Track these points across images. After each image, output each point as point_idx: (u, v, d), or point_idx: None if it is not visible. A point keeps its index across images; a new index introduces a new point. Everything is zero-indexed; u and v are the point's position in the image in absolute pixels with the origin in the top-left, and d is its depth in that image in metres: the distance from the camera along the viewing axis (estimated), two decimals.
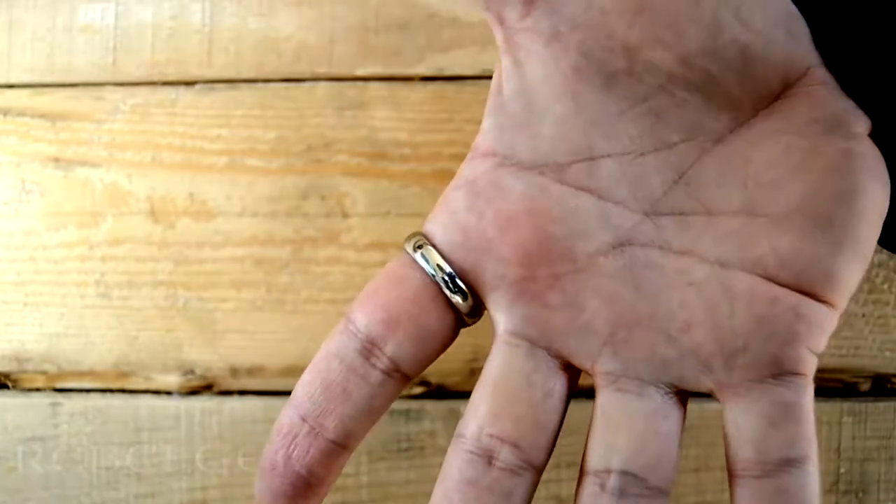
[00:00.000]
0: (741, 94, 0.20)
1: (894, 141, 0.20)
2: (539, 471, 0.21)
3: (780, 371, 0.20)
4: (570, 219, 0.21)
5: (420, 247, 0.21)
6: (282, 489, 0.21)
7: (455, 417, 0.34)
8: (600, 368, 0.21)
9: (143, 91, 0.35)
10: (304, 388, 0.21)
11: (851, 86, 0.20)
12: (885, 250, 0.33)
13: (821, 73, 0.20)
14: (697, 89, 0.20)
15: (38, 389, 0.35)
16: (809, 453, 0.19)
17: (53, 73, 0.35)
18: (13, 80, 0.35)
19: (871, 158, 0.20)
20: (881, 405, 0.33)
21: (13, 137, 0.35)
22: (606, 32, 0.20)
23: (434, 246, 0.21)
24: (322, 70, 0.35)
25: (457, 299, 0.21)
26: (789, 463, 0.19)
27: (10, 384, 0.36)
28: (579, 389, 0.22)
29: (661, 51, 0.20)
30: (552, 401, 0.21)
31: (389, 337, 0.21)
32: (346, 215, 0.34)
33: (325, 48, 0.35)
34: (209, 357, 0.35)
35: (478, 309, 0.22)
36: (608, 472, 0.20)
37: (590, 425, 0.21)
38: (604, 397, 0.21)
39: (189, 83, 0.35)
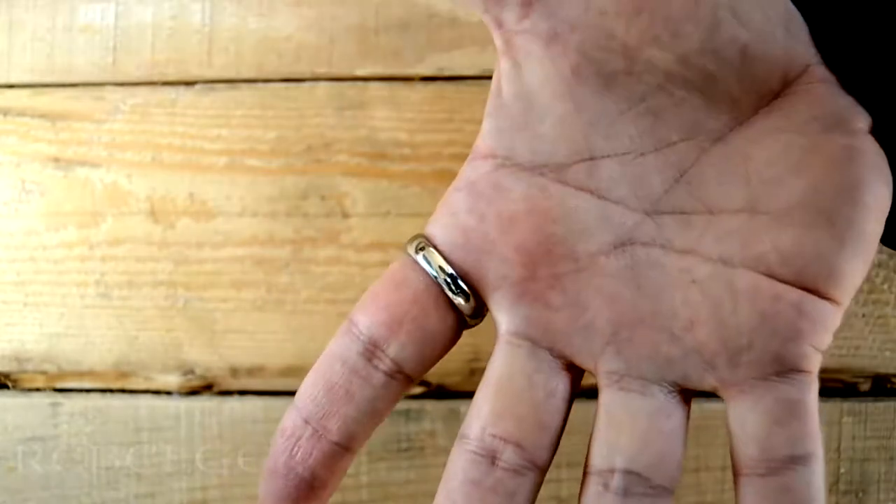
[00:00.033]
0: (741, 93, 0.20)
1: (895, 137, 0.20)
2: (543, 471, 0.21)
3: (783, 368, 0.20)
4: (571, 219, 0.21)
5: (422, 249, 0.21)
6: (285, 492, 0.21)
7: (455, 417, 0.34)
8: (603, 368, 0.21)
9: (143, 91, 0.35)
10: (307, 390, 0.21)
11: (851, 83, 0.20)
12: (884, 252, 0.33)
13: (820, 71, 0.20)
14: (697, 88, 0.20)
15: (38, 389, 0.35)
16: (814, 450, 0.19)
17: (53, 73, 0.35)
18: (13, 80, 0.35)
19: (872, 154, 0.20)
20: (881, 405, 0.33)
21: (13, 137, 0.35)
22: (605, 33, 0.20)
23: (435, 248, 0.21)
24: (322, 70, 0.35)
25: (459, 300, 0.21)
26: (794, 461, 0.19)
27: (10, 384, 0.36)
28: (580, 390, 0.22)
29: (659, 50, 0.20)
30: (555, 401, 0.21)
31: (392, 339, 0.21)
32: (346, 215, 0.34)
33: (325, 48, 0.35)
34: (209, 357, 0.35)
35: (480, 310, 0.22)
36: (612, 471, 0.20)
37: (593, 425, 0.21)
38: (607, 397, 0.21)
39: (189, 83, 0.35)
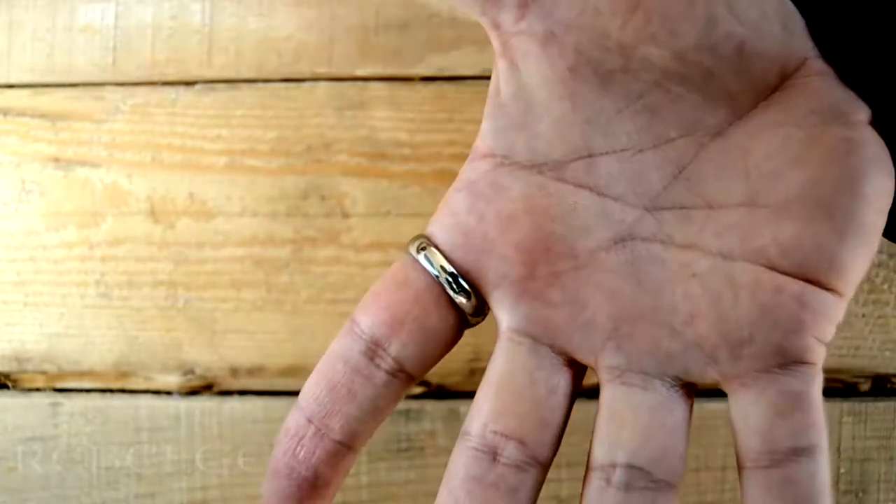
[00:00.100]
0: (738, 88, 0.20)
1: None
2: (545, 467, 0.21)
3: (786, 360, 0.19)
4: (570, 216, 0.21)
5: (423, 249, 0.21)
6: (289, 491, 0.21)
7: (455, 417, 0.34)
8: (604, 363, 0.21)
9: (143, 91, 0.35)
10: (310, 390, 0.21)
11: (850, 75, 0.20)
12: (884, 252, 0.33)
13: (818, 65, 0.20)
14: (694, 85, 0.20)
15: (38, 389, 0.35)
16: (818, 442, 0.19)
17: (53, 73, 0.35)
18: (13, 80, 0.35)
19: (872, 146, 0.20)
20: (881, 405, 0.33)
21: (13, 137, 0.35)
22: (601, 32, 0.20)
23: (436, 247, 0.22)
24: (322, 70, 0.35)
25: (460, 299, 0.21)
26: (797, 452, 0.19)
27: (10, 384, 0.36)
28: (581, 389, 0.22)
29: (656, 48, 0.20)
30: (556, 397, 0.21)
31: (393, 338, 0.21)
32: (346, 215, 0.34)
33: (325, 48, 0.35)
34: (209, 357, 0.35)
35: (481, 309, 0.22)
36: (614, 466, 0.20)
37: (595, 421, 0.21)
38: (608, 392, 0.21)
39: (189, 83, 0.35)
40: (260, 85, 0.35)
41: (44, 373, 0.35)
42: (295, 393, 0.22)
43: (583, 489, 0.21)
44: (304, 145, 0.34)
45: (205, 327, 0.35)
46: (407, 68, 0.34)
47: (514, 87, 0.21)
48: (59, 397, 0.35)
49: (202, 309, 0.35)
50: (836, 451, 0.33)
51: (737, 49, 0.20)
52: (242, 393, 0.35)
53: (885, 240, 0.21)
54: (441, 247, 0.22)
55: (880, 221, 0.20)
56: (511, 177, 0.21)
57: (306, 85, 0.35)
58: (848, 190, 0.19)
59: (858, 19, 0.20)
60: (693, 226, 0.21)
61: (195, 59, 0.35)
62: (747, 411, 0.20)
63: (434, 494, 0.21)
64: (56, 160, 0.35)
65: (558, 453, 0.21)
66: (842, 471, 0.33)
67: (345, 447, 0.21)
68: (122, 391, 0.35)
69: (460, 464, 0.21)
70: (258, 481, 0.35)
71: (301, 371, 0.34)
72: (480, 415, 0.21)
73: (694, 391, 0.21)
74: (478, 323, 0.22)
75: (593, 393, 0.21)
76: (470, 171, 0.22)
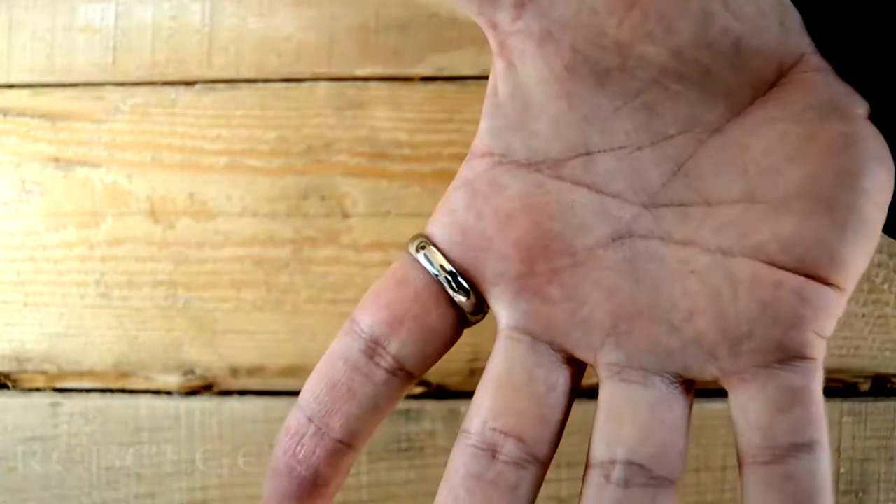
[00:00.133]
0: (735, 84, 0.20)
1: (895, 123, 0.20)
2: (544, 465, 0.21)
3: (785, 356, 0.19)
4: (568, 213, 0.21)
5: (423, 248, 0.22)
6: (290, 490, 0.21)
7: (455, 417, 0.34)
8: (603, 360, 0.21)
9: (143, 91, 0.35)
10: (310, 389, 0.21)
11: (847, 70, 0.20)
12: (884, 252, 0.33)
13: (815, 60, 0.20)
14: (692, 82, 0.20)
15: (38, 389, 0.35)
16: (819, 438, 0.19)
17: (53, 73, 0.35)
18: (13, 80, 0.35)
19: (871, 140, 0.20)
20: (881, 405, 0.33)
21: (13, 137, 0.35)
22: (597, 31, 0.20)
23: (435, 246, 0.22)
24: (322, 70, 0.35)
25: (459, 298, 0.21)
26: (798, 448, 0.19)
27: (10, 384, 0.36)
28: (581, 388, 0.22)
29: (652, 46, 0.20)
30: (555, 394, 0.21)
31: (393, 336, 0.21)
32: (346, 215, 0.34)
33: (325, 48, 0.35)
34: (209, 357, 0.35)
35: (480, 307, 0.22)
36: (613, 463, 0.20)
37: (594, 419, 0.21)
38: (607, 389, 0.21)
39: (189, 83, 0.35)
40: (260, 85, 0.35)
41: (44, 373, 0.35)
42: (295, 393, 0.22)
43: (582, 486, 0.21)
44: (304, 145, 0.34)
45: (205, 327, 0.35)
46: (407, 68, 0.34)
47: (511, 86, 0.21)
48: (59, 397, 0.35)
49: (202, 309, 0.35)
50: (836, 451, 0.33)
51: (733, 45, 0.20)
52: (242, 393, 0.35)
53: (885, 241, 0.21)
54: (440, 245, 0.22)
55: (880, 216, 0.20)
56: (509, 175, 0.21)
57: (306, 85, 0.35)
58: (847, 184, 0.19)
59: (855, 14, 0.20)
60: (691, 222, 0.21)
61: (195, 59, 0.35)
62: (747, 407, 0.20)
63: (434, 494, 0.21)
64: (56, 160, 0.35)
65: (558, 453, 0.21)
66: (842, 471, 0.33)
67: (345, 446, 0.21)
68: (122, 391, 0.35)
69: (460, 462, 0.21)
70: (258, 481, 0.34)
71: (301, 371, 0.34)
72: (479, 412, 0.21)
73: (693, 388, 0.21)
74: (477, 321, 0.22)
75: (593, 393, 0.21)
76: (468, 169, 0.22)
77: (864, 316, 0.33)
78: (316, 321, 0.34)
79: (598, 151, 0.21)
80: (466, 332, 0.22)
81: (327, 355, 0.22)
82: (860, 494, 0.33)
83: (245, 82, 0.35)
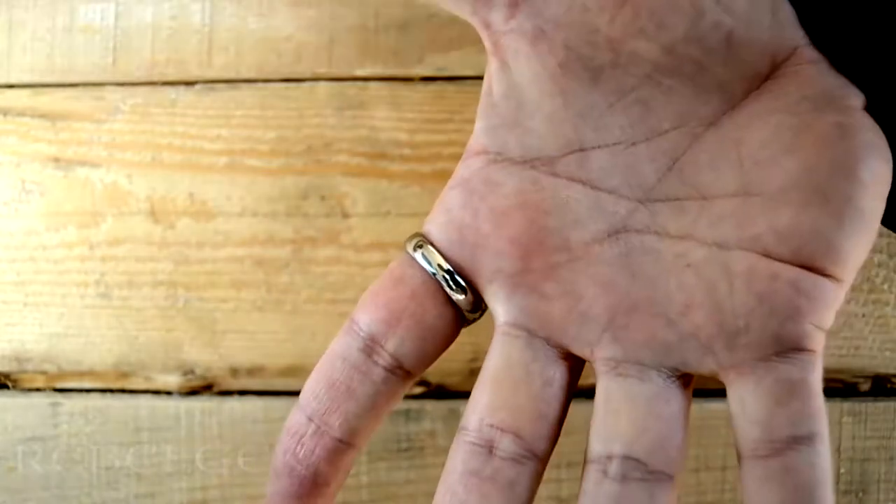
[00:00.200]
0: (729, 78, 0.20)
1: (891, 114, 0.20)
2: (542, 461, 0.21)
3: (783, 348, 0.19)
4: (563, 209, 0.21)
5: (420, 246, 0.22)
6: (291, 489, 0.21)
7: (455, 417, 0.34)
8: (600, 355, 0.21)
9: (143, 91, 0.35)
10: (310, 388, 0.21)
11: (841, 61, 0.20)
12: (884, 252, 0.33)
13: (808, 52, 0.20)
14: (685, 76, 0.20)
15: (38, 389, 0.35)
16: (818, 430, 0.19)
17: (53, 73, 0.35)
18: (13, 80, 0.35)
19: (866, 131, 0.20)
20: (881, 405, 0.33)
21: (13, 137, 0.35)
22: (590, 28, 0.20)
23: (432, 244, 0.22)
24: (322, 70, 0.35)
25: (457, 296, 0.21)
26: (797, 441, 0.19)
27: (10, 384, 0.36)
28: (578, 390, 0.22)
29: (644, 42, 0.20)
30: (552, 390, 0.21)
31: (390, 334, 0.21)
32: (346, 215, 0.34)
33: (325, 48, 0.35)
34: (209, 357, 0.35)
35: (478, 304, 0.22)
36: (610, 457, 0.20)
37: (592, 415, 0.21)
38: (604, 383, 0.21)
39: (189, 83, 0.35)
40: (260, 85, 0.35)
41: (44, 373, 0.35)
42: (295, 393, 0.22)
43: (581, 483, 0.21)
44: (304, 145, 0.34)
45: (205, 327, 0.35)
46: (407, 68, 0.34)
47: (505, 85, 0.21)
48: (59, 397, 0.35)
49: (202, 309, 0.35)
50: (836, 451, 0.33)
51: (725, 39, 0.20)
52: (242, 393, 0.35)
53: (886, 240, 0.21)
54: (437, 244, 0.22)
55: (878, 207, 0.20)
56: (504, 173, 0.22)
57: (306, 85, 0.35)
58: (843, 175, 0.19)
59: (848, 5, 0.20)
60: (687, 217, 0.21)
61: (195, 59, 0.35)
62: (745, 400, 0.20)
63: (434, 495, 0.21)
64: (56, 160, 0.35)
65: (558, 453, 0.21)
66: (842, 471, 0.33)
67: (345, 444, 0.21)
68: (122, 391, 0.35)
69: (458, 459, 0.21)
70: (258, 481, 0.35)
71: (301, 371, 0.34)
72: (477, 409, 0.21)
73: (692, 382, 0.21)
74: (475, 320, 0.22)
75: (593, 393, 0.21)
76: (464, 168, 0.22)
77: (864, 316, 0.33)
78: (316, 321, 0.34)
79: (593, 148, 0.21)
80: (466, 331, 0.22)
81: (327, 355, 0.22)
82: (860, 494, 0.33)
83: (245, 82, 0.35)
